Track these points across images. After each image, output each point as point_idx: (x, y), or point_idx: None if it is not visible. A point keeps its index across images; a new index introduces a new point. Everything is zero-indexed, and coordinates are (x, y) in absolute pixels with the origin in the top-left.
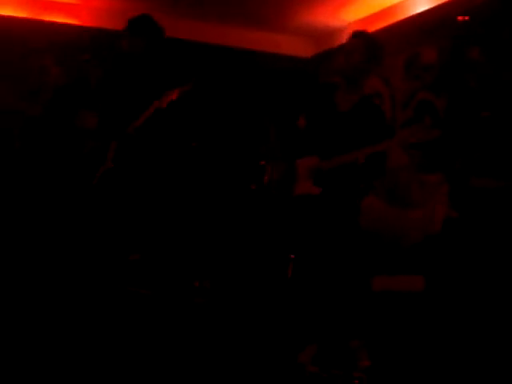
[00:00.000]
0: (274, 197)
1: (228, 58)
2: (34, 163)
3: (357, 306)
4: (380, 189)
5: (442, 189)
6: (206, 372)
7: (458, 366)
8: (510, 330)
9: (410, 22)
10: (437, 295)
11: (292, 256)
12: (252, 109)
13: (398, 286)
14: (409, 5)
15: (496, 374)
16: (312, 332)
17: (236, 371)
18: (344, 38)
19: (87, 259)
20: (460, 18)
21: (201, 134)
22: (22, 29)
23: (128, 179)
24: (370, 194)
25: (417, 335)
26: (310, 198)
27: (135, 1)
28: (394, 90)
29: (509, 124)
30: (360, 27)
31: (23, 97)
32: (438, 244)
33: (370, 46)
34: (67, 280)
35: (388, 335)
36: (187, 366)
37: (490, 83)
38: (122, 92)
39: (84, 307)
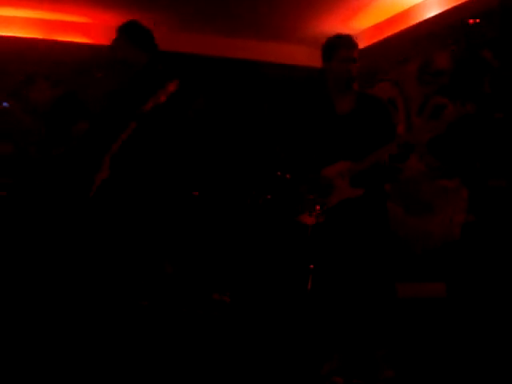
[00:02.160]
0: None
1: (240, 69)
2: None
3: (383, 314)
4: (398, 196)
5: (461, 194)
6: None
7: (481, 374)
8: None
9: (421, 27)
10: (459, 301)
11: (311, 266)
12: (265, 120)
13: (420, 292)
14: (419, 10)
15: None
16: (335, 342)
17: None
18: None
19: (101, 273)
20: (471, 20)
21: (213, 147)
22: (33, 49)
23: (131, 189)
24: (388, 200)
25: (440, 341)
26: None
27: (146, 17)
28: (407, 96)
29: None
30: (371, 35)
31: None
32: (458, 249)
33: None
34: (81, 296)
35: (412, 342)
36: (205, 381)
37: (503, 85)
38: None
39: (98, 320)
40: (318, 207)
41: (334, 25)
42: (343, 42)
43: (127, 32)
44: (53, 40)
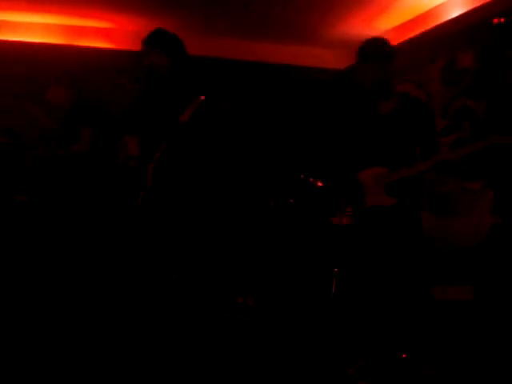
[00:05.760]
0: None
1: (263, 73)
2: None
3: (416, 318)
4: (424, 199)
5: (487, 196)
6: None
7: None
8: None
9: (444, 27)
10: (486, 304)
11: (336, 270)
12: (290, 123)
13: (446, 295)
14: (443, 10)
15: None
16: (361, 346)
17: None
18: None
19: (131, 278)
20: (495, 20)
21: (240, 149)
22: (57, 55)
23: (168, 197)
24: None
25: (466, 345)
26: (376, 209)
27: (169, 22)
28: (431, 97)
29: None
30: (395, 35)
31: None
32: (485, 251)
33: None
34: (110, 298)
35: (436, 345)
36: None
37: None
38: (158, 113)
39: (129, 325)
40: (349, 209)
41: (357, 26)
42: (360, 56)
43: (155, 39)
44: (74, 45)
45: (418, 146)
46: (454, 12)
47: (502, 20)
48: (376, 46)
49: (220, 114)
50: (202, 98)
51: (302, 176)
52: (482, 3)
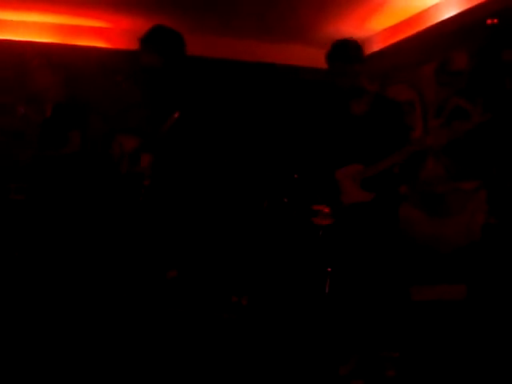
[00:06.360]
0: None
1: (254, 72)
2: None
3: (394, 316)
4: (416, 198)
5: (480, 196)
6: None
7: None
8: None
9: (438, 28)
10: (479, 304)
11: (329, 269)
12: (283, 122)
13: (439, 295)
14: (436, 11)
15: None
16: (351, 345)
17: None
18: (372, 48)
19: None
20: (489, 20)
21: (232, 148)
22: (53, 54)
23: (164, 195)
24: (406, 203)
25: (459, 345)
26: (356, 206)
27: (166, 21)
28: (425, 98)
29: None
30: (387, 36)
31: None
32: (478, 251)
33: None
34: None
35: (429, 345)
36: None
37: None
38: (156, 111)
39: (122, 323)
40: (326, 209)
41: (349, 27)
42: (340, 55)
43: (149, 39)
44: (70, 45)
45: (391, 143)
46: (448, 13)
47: (496, 21)
48: (341, 48)
49: (197, 127)
50: (176, 115)
51: (295, 175)
52: (475, 4)
